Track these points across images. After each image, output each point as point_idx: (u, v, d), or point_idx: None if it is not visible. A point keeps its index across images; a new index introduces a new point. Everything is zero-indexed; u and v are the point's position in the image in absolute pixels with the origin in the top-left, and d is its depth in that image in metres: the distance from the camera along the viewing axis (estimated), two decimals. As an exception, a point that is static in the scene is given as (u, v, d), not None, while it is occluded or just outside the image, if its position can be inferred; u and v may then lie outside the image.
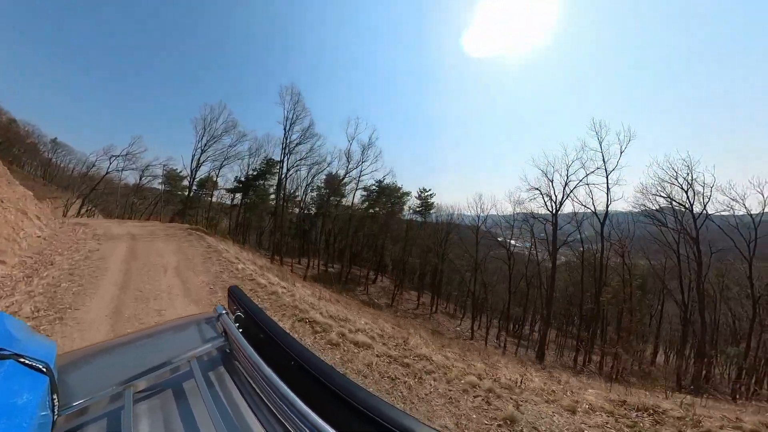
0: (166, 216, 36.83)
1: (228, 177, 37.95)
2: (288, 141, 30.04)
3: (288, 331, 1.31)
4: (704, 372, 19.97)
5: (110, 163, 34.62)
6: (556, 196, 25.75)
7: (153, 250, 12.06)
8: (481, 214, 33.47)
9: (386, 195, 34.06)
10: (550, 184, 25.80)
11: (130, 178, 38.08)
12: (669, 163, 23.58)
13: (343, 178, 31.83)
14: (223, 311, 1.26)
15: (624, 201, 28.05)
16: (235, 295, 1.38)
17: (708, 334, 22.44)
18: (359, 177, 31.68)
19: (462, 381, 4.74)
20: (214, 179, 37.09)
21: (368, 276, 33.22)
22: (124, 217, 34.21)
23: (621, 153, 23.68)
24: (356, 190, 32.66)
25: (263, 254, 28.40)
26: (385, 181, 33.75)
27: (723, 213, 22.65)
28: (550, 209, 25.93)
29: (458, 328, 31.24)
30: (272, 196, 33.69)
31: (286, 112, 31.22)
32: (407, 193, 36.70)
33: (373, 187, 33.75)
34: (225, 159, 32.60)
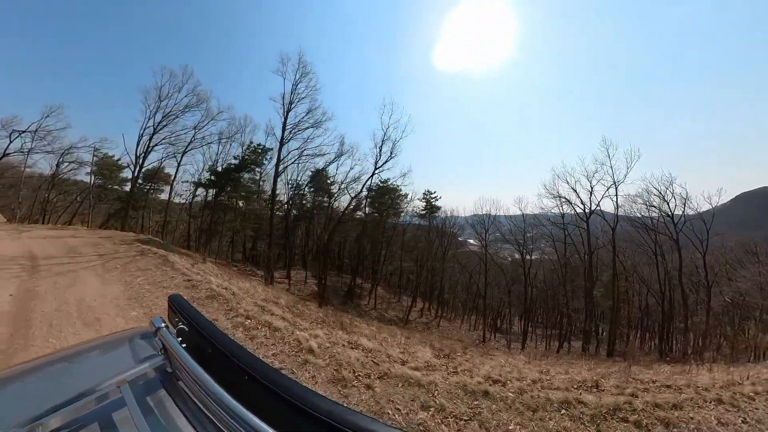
0: (96, 218, 27.50)
1: (187, 169, 29.69)
2: (286, 124, 22.27)
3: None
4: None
5: (11, 142, 24.09)
6: (583, 204, 27.15)
7: (73, 301, 5.87)
8: (486, 217, 32.06)
9: (387, 195, 29.19)
10: (575, 193, 27.33)
11: (43, 164, 27.91)
12: (655, 179, 27.41)
13: (372, 175, 25.07)
14: (162, 324, 1.02)
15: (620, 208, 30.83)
16: (176, 305, 1.16)
17: (678, 314, 26.94)
18: (372, 175, 25.49)
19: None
20: (169, 170, 28.68)
21: (372, 288, 28.19)
22: (31, 219, 24.50)
23: (628, 170, 26.05)
24: (366, 191, 26.97)
25: (247, 271, 21.70)
26: (391, 181, 28.38)
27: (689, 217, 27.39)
28: (582, 217, 27.43)
29: (461, 332, 29.63)
30: (258, 194, 26.77)
31: (291, 85, 23.04)
32: (406, 195, 32.11)
33: (379, 185, 28.46)
34: (189, 143, 24.27)
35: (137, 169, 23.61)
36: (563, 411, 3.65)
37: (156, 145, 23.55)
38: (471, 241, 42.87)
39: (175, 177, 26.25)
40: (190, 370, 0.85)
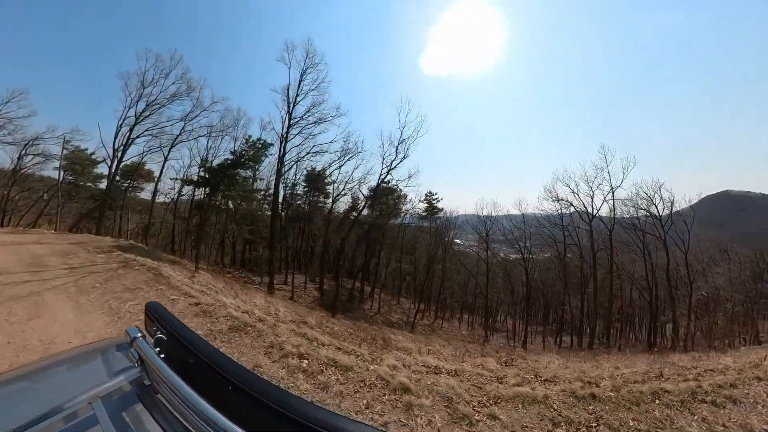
0: (66, 218, 24.33)
1: (170, 165, 26.83)
2: (291, 118, 20.18)
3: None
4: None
5: (-39, 132, 20.91)
6: (586, 208, 28.18)
7: (37, 344, 4.03)
8: (487, 219, 31.69)
9: (389, 196, 27.66)
10: (575, 196, 28.26)
11: (3, 156, 24.32)
12: (645, 184, 28.62)
13: (386, 175, 23.76)
14: (138, 334, 0.95)
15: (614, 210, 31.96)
16: (153, 313, 1.07)
17: (663, 309, 29.68)
18: (386, 174, 23.74)
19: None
20: (150, 166, 25.85)
21: (372, 291, 26.81)
22: (-14, 219, 21.26)
23: (624, 175, 27.19)
24: (370, 192, 25.44)
25: (242, 278, 19.60)
26: (395, 182, 26.59)
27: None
28: (584, 218, 28.44)
29: (462, 332, 29.38)
30: (251, 193, 24.33)
31: (298, 75, 21.29)
32: (405, 196, 30.73)
33: (382, 186, 26.83)
34: (178, 136, 21.62)
35: (115, 164, 20.84)
36: (657, 401, 3.86)
37: (138, 137, 20.75)
38: (458, 240, 42.88)
39: (161, 173, 23.54)
40: (169, 382, 0.78)
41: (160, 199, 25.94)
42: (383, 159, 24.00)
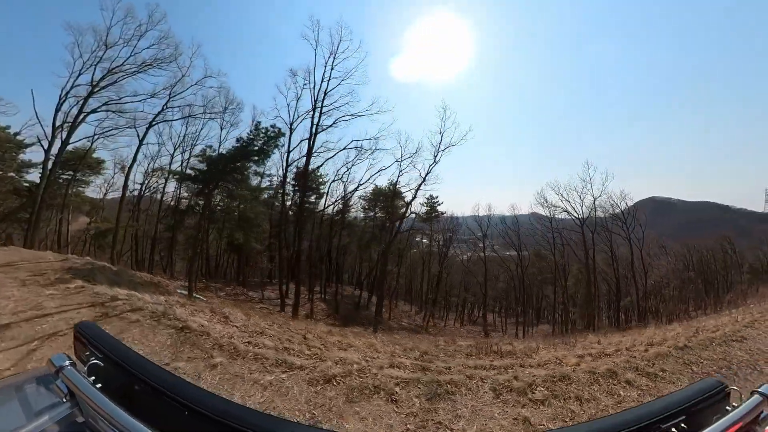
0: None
1: (126, 151, 20.85)
2: (322, 107, 17.16)
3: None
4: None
5: None
6: (577, 215, 30.59)
7: None
8: (483, 220, 32.94)
9: (385, 198, 24.93)
10: (567, 202, 30.74)
11: None
12: (613, 194, 31.97)
13: (421, 183, 22.14)
14: (66, 362, 0.77)
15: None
16: (85, 336, 0.86)
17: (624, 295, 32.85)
18: (421, 183, 22.25)
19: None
20: (100, 154, 19.73)
21: (370, 297, 24.12)
22: None
23: (603, 185, 30.05)
24: (393, 197, 22.69)
25: (240, 297, 15.10)
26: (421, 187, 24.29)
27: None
28: (577, 223, 30.84)
29: (462, 330, 29.91)
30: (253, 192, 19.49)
31: (328, 57, 19.24)
32: (403, 198, 29.01)
33: (389, 188, 24.05)
34: (158, 114, 16.70)
35: (56, 147, 14.74)
36: (713, 343, 5.38)
37: (92, 112, 14.98)
38: (460, 246, 43.40)
39: (134, 161, 17.74)
40: (109, 415, 0.65)
41: (116, 194, 19.89)
42: (400, 162, 22.73)
